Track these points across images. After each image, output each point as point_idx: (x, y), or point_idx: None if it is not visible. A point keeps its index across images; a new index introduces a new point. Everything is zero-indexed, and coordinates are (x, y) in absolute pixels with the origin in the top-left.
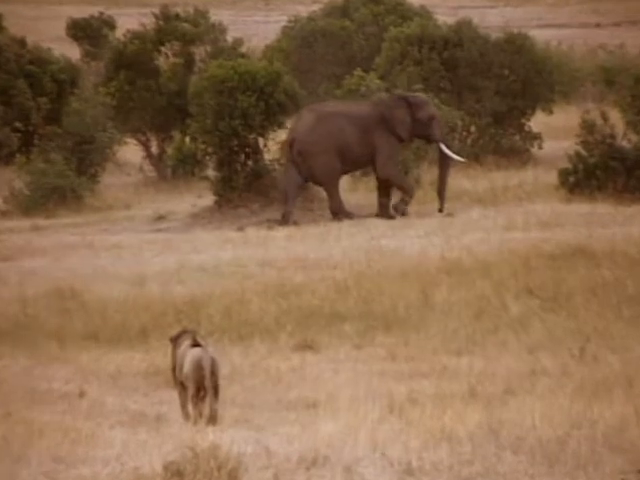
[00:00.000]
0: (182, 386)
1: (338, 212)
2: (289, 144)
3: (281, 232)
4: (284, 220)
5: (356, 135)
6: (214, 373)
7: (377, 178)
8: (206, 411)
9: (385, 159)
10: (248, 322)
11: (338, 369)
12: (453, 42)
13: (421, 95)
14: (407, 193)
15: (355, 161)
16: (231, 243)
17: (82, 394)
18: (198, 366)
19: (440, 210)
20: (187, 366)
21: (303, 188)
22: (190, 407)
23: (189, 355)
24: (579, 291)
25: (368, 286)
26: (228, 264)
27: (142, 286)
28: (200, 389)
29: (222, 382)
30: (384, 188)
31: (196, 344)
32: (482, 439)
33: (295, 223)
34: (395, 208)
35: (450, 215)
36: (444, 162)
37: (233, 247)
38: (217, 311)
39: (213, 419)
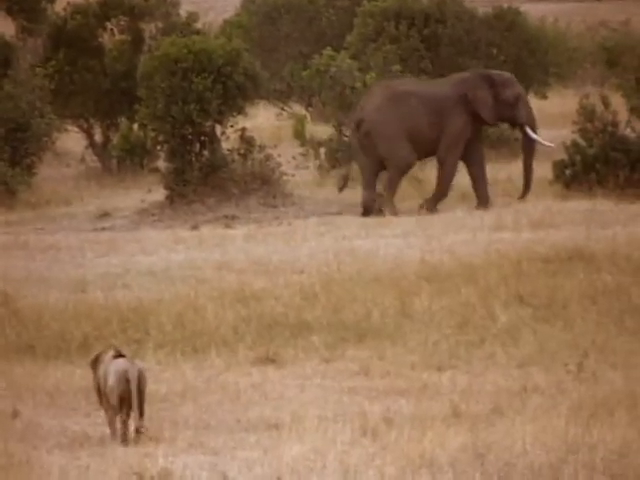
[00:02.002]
0: (108, 402)
1: (384, 205)
2: (356, 125)
3: (240, 231)
4: (365, 211)
5: (430, 117)
6: (141, 387)
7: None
8: (131, 428)
9: (450, 143)
10: (203, 332)
11: (304, 386)
12: (435, 17)
13: (505, 73)
14: (443, 191)
15: (427, 147)
16: (184, 243)
17: (15, 414)
18: (123, 378)
19: (521, 197)
20: (111, 377)
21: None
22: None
23: (113, 366)
24: (576, 299)
25: (338, 292)
26: (180, 267)
27: (83, 292)
28: (124, 403)
29: (174, 400)
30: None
31: (119, 355)
32: (466, 465)
33: (380, 212)
34: (424, 205)
35: (430, 213)
36: (529, 147)
37: (186, 248)
38: (168, 319)
39: (138, 438)
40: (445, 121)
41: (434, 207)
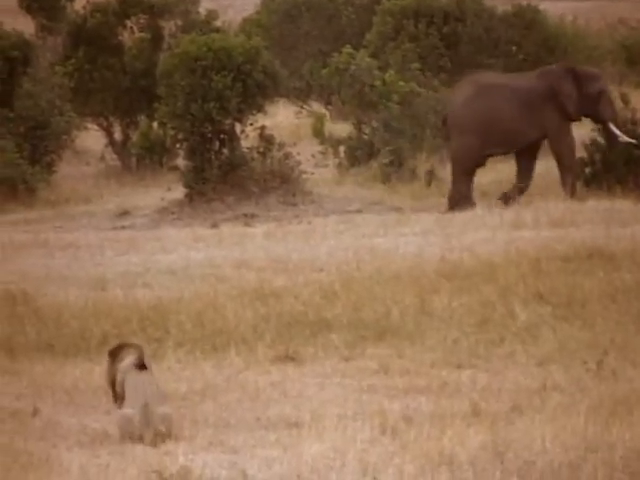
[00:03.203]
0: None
1: (458, 202)
2: (443, 120)
3: (259, 229)
4: (450, 206)
5: (517, 111)
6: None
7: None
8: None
9: (557, 134)
10: (222, 331)
11: (324, 384)
12: (454, 15)
13: (592, 68)
14: (574, 169)
15: (512, 140)
16: (203, 242)
17: (35, 412)
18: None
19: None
20: (130, 403)
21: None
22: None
23: (133, 389)
24: (596, 297)
25: (358, 291)
26: (200, 265)
27: (103, 290)
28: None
29: (194, 399)
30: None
31: (141, 365)
32: (486, 463)
33: (473, 206)
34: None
35: (450, 211)
36: (612, 145)
37: (205, 246)
38: (188, 318)
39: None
40: (538, 116)
41: (575, 190)
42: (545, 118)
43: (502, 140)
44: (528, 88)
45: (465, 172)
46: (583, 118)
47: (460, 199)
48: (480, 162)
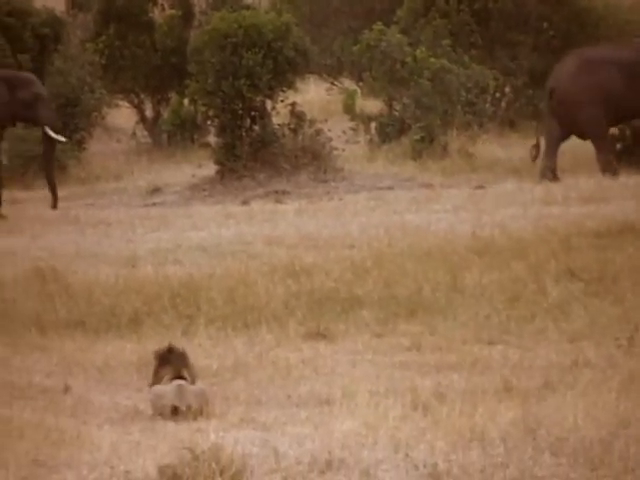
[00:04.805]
0: None
1: (607, 168)
2: (549, 93)
3: (290, 206)
4: (542, 174)
5: (625, 82)
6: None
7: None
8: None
9: None
10: (254, 307)
11: (355, 361)
12: None
13: None
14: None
15: (622, 112)
16: (234, 218)
17: (66, 389)
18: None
19: None
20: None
21: (564, 141)
22: None
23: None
24: (627, 273)
25: (389, 267)
26: (231, 242)
27: (134, 267)
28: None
29: (225, 375)
30: None
31: (180, 376)
32: (517, 439)
33: (555, 179)
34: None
35: (481, 187)
36: None
37: (236, 223)
38: (219, 295)
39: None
40: None
41: (611, 166)
42: None
43: (616, 111)
44: (635, 59)
45: (604, 139)
46: None
47: (608, 163)
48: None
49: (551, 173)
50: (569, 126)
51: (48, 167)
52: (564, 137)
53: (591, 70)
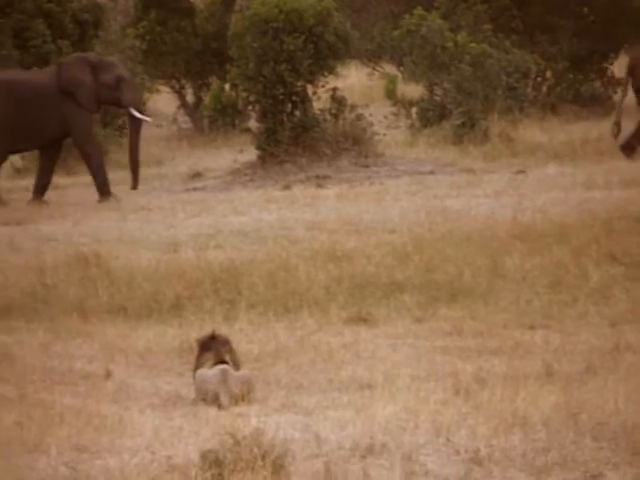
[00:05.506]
0: None
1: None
2: (629, 70)
3: (331, 190)
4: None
5: None
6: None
7: None
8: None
9: None
10: (295, 292)
11: (396, 345)
12: None
13: None
14: None
15: None
16: (275, 203)
17: (108, 374)
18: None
19: None
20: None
21: None
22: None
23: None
24: None
25: (430, 252)
26: (272, 227)
27: (175, 252)
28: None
29: (266, 360)
30: None
31: (221, 361)
32: (559, 424)
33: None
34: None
35: (522, 172)
36: None
37: (277, 208)
38: (260, 280)
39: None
40: None
41: None
42: None
43: None
44: None
45: None
46: None
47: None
48: None
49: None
50: None
51: (133, 148)
52: None
53: None
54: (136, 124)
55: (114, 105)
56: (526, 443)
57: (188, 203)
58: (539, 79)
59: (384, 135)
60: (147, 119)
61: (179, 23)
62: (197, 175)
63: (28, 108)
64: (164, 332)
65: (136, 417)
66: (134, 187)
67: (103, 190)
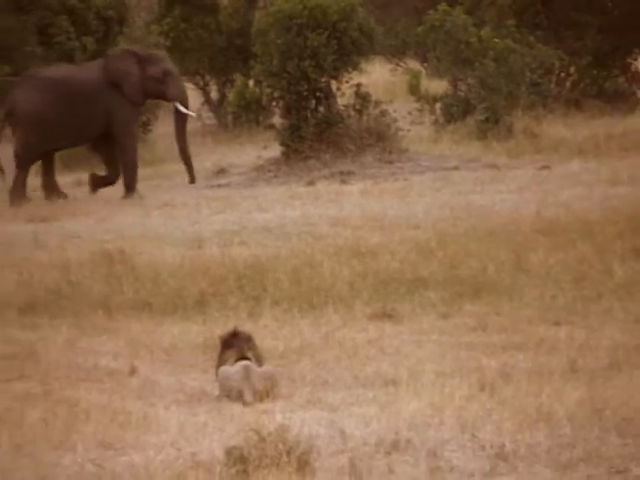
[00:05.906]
0: None
1: None
2: None
3: (355, 187)
4: None
5: None
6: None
7: None
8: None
9: None
10: (319, 288)
11: (421, 341)
12: None
13: None
14: None
15: None
16: (299, 199)
17: (133, 371)
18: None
19: None
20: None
21: None
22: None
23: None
24: None
25: (454, 248)
26: (296, 223)
27: (199, 248)
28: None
29: (291, 357)
30: None
31: (244, 357)
32: (584, 420)
33: None
34: None
35: (546, 168)
36: None
37: (302, 204)
38: (285, 276)
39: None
40: None
41: None
42: None
43: None
44: None
45: None
46: None
47: None
48: None
49: None
50: None
51: (181, 142)
52: None
53: None
54: (182, 119)
55: (159, 99)
56: (551, 439)
57: (212, 199)
58: (563, 75)
59: (408, 131)
60: (192, 114)
61: (203, 20)
62: (221, 171)
63: (73, 106)
64: (189, 328)
65: (161, 413)
66: (191, 181)
67: (130, 186)
